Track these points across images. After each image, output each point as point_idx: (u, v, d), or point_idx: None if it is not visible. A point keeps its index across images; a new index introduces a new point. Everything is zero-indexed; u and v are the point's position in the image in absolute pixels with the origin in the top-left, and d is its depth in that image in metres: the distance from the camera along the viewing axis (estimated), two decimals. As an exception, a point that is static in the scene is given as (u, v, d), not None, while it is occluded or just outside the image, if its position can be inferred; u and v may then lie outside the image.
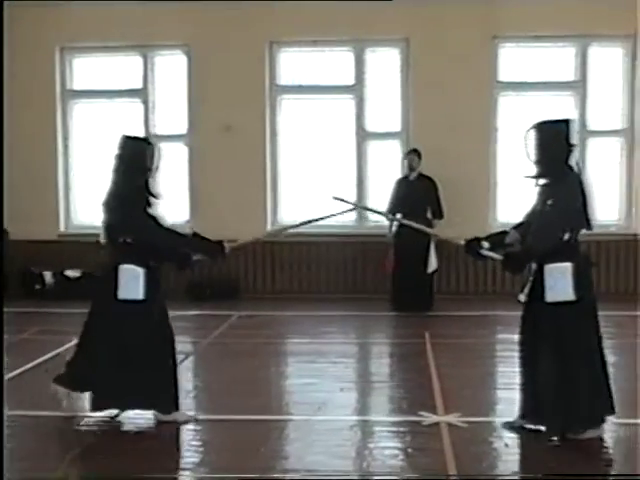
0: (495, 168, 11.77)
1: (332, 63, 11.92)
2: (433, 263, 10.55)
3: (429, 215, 10.67)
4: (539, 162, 5.34)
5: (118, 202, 5.74)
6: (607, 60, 11.66)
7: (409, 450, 5.19)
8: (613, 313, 9.99)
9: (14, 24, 11.43)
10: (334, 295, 11.69)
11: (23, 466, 4.93)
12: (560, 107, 11.51)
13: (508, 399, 6.47)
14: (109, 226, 5.80)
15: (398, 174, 11.51)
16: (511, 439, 5.36)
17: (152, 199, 5.79)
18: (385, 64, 11.89)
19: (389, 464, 4.95)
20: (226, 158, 11.76)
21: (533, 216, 5.37)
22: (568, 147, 5.30)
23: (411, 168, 10.86)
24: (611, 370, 5.45)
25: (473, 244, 5.47)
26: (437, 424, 5.65)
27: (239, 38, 11.68)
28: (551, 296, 5.19)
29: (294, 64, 11.98)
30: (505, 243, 5.44)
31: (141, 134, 11.62)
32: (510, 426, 5.51)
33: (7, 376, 6.92)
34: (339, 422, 5.75)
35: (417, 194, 10.69)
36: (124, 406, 5.83)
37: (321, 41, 11.80)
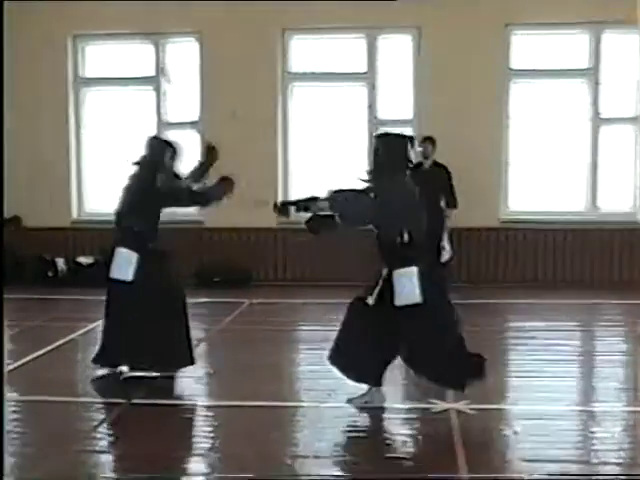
0: (507, 156, 11.73)
1: (344, 50, 11.90)
2: (446, 252, 10.49)
3: (443, 204, 10.62)
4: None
5: (138, 190, 6.60)
6: (622, 47, 11.56)
7: (419, 437, 5.22)
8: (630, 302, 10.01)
9: (26, 13, 11.47)
10: (345, 282, 11.67)
11: (31, 452, 4.98)
12: (572, 94, 11.50)
13: (517, 386, 6.50)
14: (118, 212, 6.64)
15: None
16: (521, 427, 5.38)
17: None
18: (397, 51, 11.85)
19: (399, 450, 4.98)
20: (238, 145, 11.72)
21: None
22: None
23: (425, 156, 10.79)
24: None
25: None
26: (446, 411, 5.66)
27: (251, 25, 11.66)
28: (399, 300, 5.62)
29: (306, 51, 11.96)
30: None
31: (154, 123, 11.76)
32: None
33: (21, 361, 7.00)
34: (349, 409, 5.77)
35: (431, 182, 10.62)
36: (132, 363, 6.44)
37: (333, 28, 11.77)
